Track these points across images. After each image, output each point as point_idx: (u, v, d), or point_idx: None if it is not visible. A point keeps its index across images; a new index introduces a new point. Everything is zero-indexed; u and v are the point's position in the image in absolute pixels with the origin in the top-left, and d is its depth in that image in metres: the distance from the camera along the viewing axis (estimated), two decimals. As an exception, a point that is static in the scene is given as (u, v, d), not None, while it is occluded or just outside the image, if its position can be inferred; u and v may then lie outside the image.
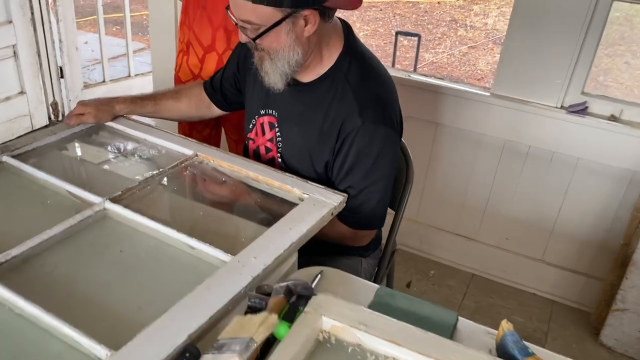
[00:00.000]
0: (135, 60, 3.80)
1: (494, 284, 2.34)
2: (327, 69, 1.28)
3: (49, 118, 1.87)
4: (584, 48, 1.93)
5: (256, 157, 1.45)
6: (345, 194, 1.26)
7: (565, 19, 1.89)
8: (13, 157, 1.31)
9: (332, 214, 1.22)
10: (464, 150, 2.23)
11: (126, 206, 1.15)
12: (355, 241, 1.40)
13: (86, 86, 3.40)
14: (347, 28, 1.30)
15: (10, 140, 1.36)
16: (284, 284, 0.98)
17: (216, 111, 1.59)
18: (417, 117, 2.23)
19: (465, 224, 2.35)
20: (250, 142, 1.45)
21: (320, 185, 1.28)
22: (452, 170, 2.28)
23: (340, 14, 1.30)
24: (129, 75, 3.70)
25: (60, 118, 2.45)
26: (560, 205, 2.16)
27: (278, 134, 1.38)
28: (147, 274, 1.03)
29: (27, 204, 1.19)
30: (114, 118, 1.50)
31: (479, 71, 6.00)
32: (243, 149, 1.52)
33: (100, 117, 1.46)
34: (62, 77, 3.30)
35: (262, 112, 1.40)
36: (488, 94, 2.10)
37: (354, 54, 1.29)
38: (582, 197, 2.11)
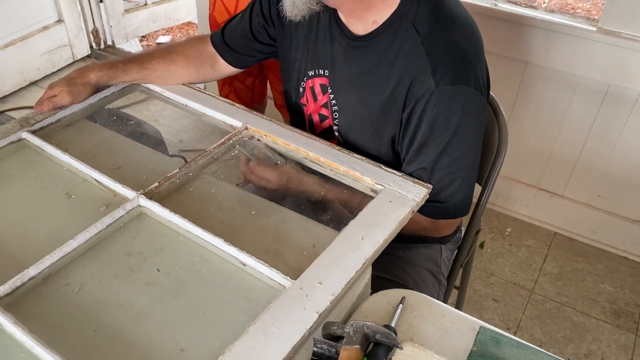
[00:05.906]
0: (179, -21, 3.47)
1: (579, 245, 2.08)
2: (387, 16, 1.00)
3: (90, 47, 1.70)
4: None
5: (311, 127, 1.21)
6: (429, 185, 1.02)
7: None
8: (33, 132, 1.11)
9: (412, 212, 0.98)
10: (557, 95, 1.89)
11: (163, 203, 0.95)
12: (436, 232, 1.16)
13: (127, 11, 3.14)
14: None
15: (29, 107, 1.16)
16: (358, 325, 0.78)
17: (224, 71, 1.29)
18: (502, 54, 1.88)
19: (551, 178, 2.06)
20: (303, 107, 1.20)
21: (397, 172, 1.04)
22: (540, 117, 1.96)
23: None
24: (173, -4, 3.40)
25: (102, 46, 2.22)
26: (671, 162, 1.83)
27: (333, 101, 1.12)
28: (189, 301, 0.84)
29: (49, 197, 1.01)
30: (98, 90, 1.22)
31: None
32: (290, 114, 1.28)
33: (77, 92, 1.16)
34: (101, 1, 3.07)
35: (311, 73, 1.14)
36: (594, 29, 1.72)
37: None
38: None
